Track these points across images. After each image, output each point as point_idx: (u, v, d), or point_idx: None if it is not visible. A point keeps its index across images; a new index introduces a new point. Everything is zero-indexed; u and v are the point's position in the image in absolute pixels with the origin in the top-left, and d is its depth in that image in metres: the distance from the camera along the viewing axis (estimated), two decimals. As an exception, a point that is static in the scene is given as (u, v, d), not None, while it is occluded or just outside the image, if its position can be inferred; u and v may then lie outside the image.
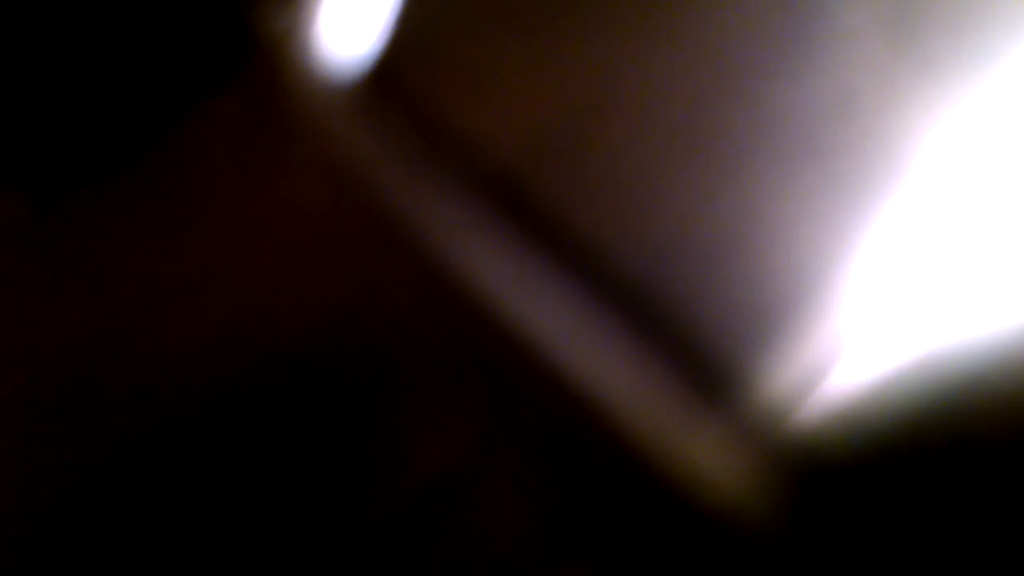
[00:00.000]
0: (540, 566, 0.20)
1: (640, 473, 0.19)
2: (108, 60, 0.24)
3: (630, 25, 0.20)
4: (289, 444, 0.21)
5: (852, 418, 0.18)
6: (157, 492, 0.21)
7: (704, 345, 0.19)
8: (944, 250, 0.18)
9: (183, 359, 0.21)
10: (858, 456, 0.18)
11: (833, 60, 0.19)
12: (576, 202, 0.19)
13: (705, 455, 0.19)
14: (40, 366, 0.22)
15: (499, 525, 0.20)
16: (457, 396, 0.20)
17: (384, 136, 0.21)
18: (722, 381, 0.19)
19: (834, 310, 0.18)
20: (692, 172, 0.19)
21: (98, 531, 0.21)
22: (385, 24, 0.21)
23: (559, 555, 0.20)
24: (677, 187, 0.19)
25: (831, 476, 0.18)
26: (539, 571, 0.20)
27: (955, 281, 0.18)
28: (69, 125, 0.24)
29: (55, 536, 0.21)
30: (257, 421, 0.21)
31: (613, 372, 0.19)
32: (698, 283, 0.19)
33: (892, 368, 0.18)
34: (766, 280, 0.19)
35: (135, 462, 0.21)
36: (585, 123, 0.20)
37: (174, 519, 0.21)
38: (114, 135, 0.24)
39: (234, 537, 0.21)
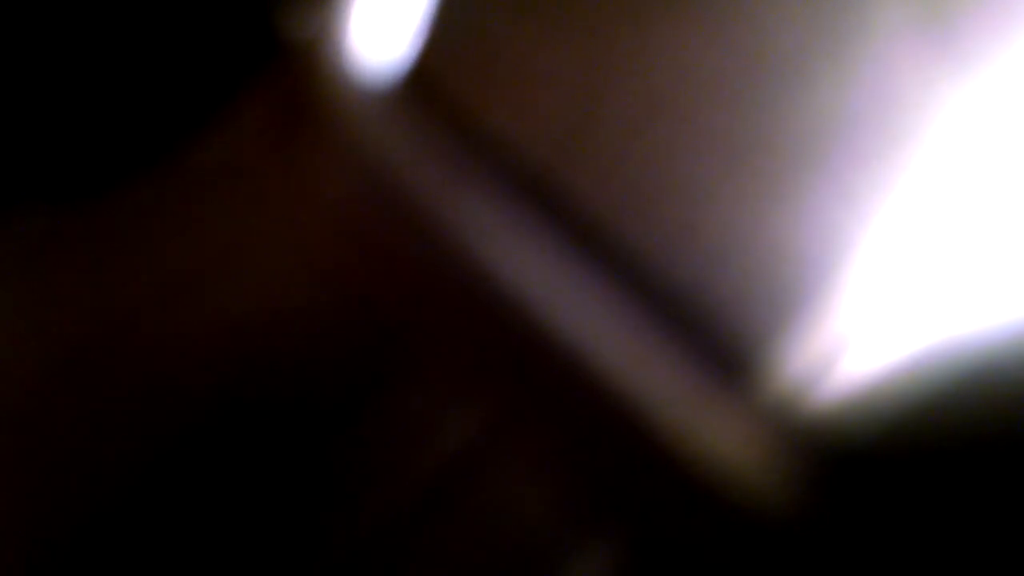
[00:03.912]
0: (557, 549, 0.20)
1: (657, 456, 0.19)
2: (133, 63, 0.24)
3: (665, 25, 0.20)
4: (302, 427, 0.21)
5: (872, 401, 0.18)
6: (170, 477, 0.21)
7: (721, 327, 0.19)
8: (967, 235, 0.18)
9: (203, 347, 0.21)
10: (878, 440, 0.18)
11: (867, 58, 0.19)
12: (603, 193, 0.19)
13: (722, 438, 0.19)
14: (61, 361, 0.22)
15: (515, 507, 0.20)
16: (472, 377, 0.20)
17: (419, 141, 0.21)
18: (740, 364, 0.19)
19: (853, 292, 0.18)
20: (737, 179, 0.19)
21: (101, 531, 0.21)
22: (420, 26, 0.21)
23: (576, 538, 0.20)
24: (717, 188, 0.19)
25: (850, 460, 0.18)
26: (556, 554, 0.20)
27: (979, 264, 0.18)
28: (94, 131, 0.24)
29: (57, 536, 0.21)
30: (271, 406, 0.21)
31: (631, 356, 0.19)
32: (715, 266, 0.19)
33: (912, 351, 0.18)
34: (783, 263, 0.19)
35: (163, 446, 0.21)
36: (624, 123, 0.20)
37: (185, 508, 0.21)
38: (139, 140, 0.23)
39: (248, 516, 0.21)
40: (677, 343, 0.19)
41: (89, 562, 0.21)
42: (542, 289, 0.20)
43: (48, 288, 0.23)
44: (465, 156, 0.20)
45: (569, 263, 0.20)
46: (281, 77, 0.22)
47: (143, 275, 0.22)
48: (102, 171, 0.23)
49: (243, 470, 0.21)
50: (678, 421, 0.19)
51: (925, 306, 0.18)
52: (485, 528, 0.20)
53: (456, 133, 0.20)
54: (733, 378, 0.19)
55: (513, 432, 0.20)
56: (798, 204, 0.19)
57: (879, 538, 0.18)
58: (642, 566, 0.20)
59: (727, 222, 0.19)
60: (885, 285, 0.18)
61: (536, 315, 0.20)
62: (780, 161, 0.19)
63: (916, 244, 0.18)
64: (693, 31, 0.19)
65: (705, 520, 0.19)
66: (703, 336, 0.19)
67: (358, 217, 0.21)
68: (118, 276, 0.22)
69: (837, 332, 0.18)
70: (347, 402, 0.21)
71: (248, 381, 0.21)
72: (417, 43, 0.21)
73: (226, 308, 0.22)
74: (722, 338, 0.19)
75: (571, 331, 0.19)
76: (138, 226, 0.23)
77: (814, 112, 0.19)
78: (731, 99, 0.19)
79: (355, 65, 0.21)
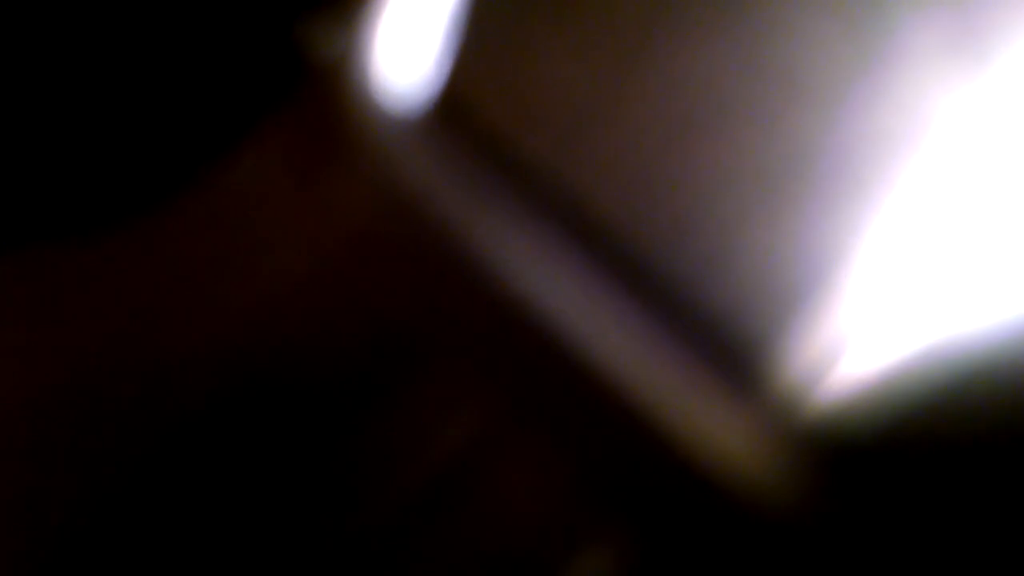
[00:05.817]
0: (561, 547, 0.20)
1: (660, 456, 0.19)
2: (153, 89, 0.24)
3: (697, 50, 0.20)
4: (307, 425, 0.21)
5: (873, 400, 0.18)
6: (172, 473, 0.21)
7: (724, 327, 0.19)
8: (967, 234, 0.19)
9: (209, 349, 0.22)
10: (879, 438, 0.18)
11: (899, 81, 0.19)
12: (608, 195, 0.19)
13: (725, 437, 0.19)
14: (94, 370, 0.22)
15: (519, 506, 0.20)
16: (477, 375, 0.20)
17: (447, 165, 0.20)
18: (742, 363, 0.19)
19: (855, 291, 0.19)
20: (744, 184, 0.19)
21: (103, 527, 0.21)
22: (448, 48, 0.21)
23: (580, 537, 0.20)
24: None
25: (851, 458, 0.18)
26: (560, 552, 0.20)
27: (979, 264, 0.19)
28: (114, 160, 0.24)
29: (58, 540, 0.21)
30: (274, 404, 0.21)
31: (634, 356, 0.19)
32: (718, 266, 0.19)
33: (913, 350, 0.18)
34: (786, 262, 0.19)
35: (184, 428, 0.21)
36: (657, 147, 0.20)
37: (187, 505, 0.21)
38: (162, 168, 0.23)
39: (250, 514, 0.21)
40: (680, 343, 0.19)
41: (95, 556, 0.21)
42: (550, 293, 0.20)
43: (60, 310, 0.23)
44: (494, 180, 0.20)
45: (575, 268, 0.20)
46: (306, 101, 0.22)
47: (157, 287, 0.22)
48: (123, 202, 0.23)
49: (247, 467, 0.21)
50: (681, 420, 0.19)
51: (926, 304, 0.19)
52: (489, 527, 0.20)
53: (485, 157, 0.20)
54: (736, 377, 0.19)
55: (517, 431, 0.20)
56: (802, 205, 0.19)
57: (881, 536, 0.19)
58: (645, 564, 0.20)
59: (731, 222, 0.19)
60: (887, 284, 0.19)
61: (543, 318, 0.20)
62: (787, 167, 0.19)
63: (918, 243, 0.19)
64: (732, 54, 0.20)
65: (707, 518, 0.19)
66: (706, 335, 0.19)
67: (380, 237, 0.21)
68: (131, 295, 0.23)
69: (839, 331, 0.19)
70: (351, 402, 0.21)
71: (255, 381, 0.21)
72: (445, 66, 0.21)
73: (236, 310, 0.22)
74: (725, 337, 0.19)
75: (575, 332, 0.19)
76: (157, 252, 0.23)
77: (821, 125, 0.19)
78: (756, 118, 0.19)
79: (381, 88, 0.21)
